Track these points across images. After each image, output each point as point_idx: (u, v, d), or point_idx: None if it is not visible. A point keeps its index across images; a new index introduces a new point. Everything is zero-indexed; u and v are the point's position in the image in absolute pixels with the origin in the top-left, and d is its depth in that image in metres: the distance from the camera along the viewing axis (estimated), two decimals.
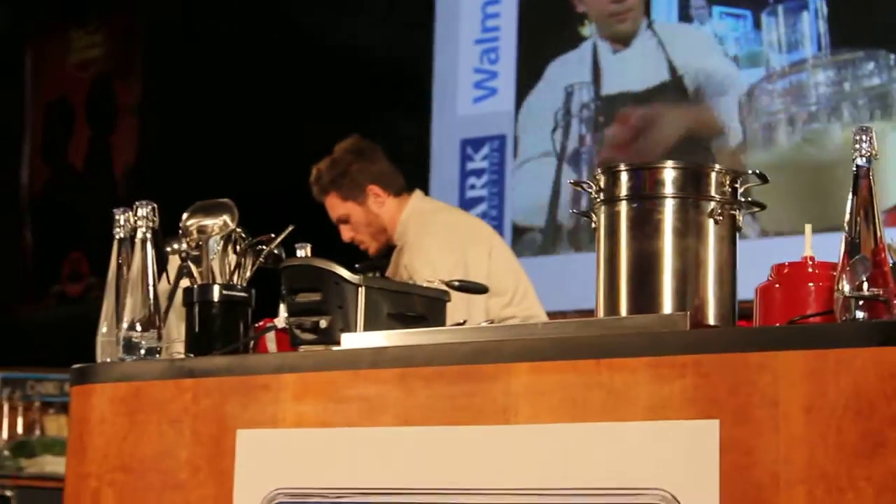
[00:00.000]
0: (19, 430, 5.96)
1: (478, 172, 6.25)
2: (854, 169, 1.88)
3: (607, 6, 6.03)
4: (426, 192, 6.36)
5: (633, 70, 5.94)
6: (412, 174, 6.44)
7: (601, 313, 2.16)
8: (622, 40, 5.97)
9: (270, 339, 2.64)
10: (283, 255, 2.66)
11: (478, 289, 2.82)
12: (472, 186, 6.27)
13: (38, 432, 5.91)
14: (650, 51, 5.88)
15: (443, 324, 2.57)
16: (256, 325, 2.66)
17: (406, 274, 3.88)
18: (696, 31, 5.82)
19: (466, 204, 6.24)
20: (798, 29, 5.54)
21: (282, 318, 2.61)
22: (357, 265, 2.58)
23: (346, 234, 4.11)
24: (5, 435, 5.91)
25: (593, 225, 2.22)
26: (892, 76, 5.30)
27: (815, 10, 5.50)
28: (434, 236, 4.02)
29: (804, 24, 5.52)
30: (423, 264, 3.86)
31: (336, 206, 4.08)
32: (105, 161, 7.90)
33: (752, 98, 5.63)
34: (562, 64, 6.12)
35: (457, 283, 2.71)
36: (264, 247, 2.64)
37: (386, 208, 4.09)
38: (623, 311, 2.12)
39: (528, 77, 6.19)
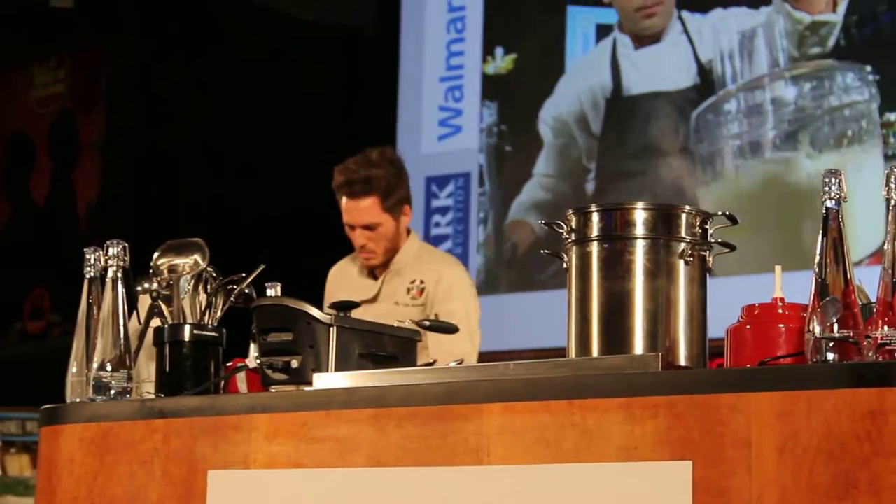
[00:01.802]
0: None
1: (442, 210, 6.26)
2: (823, 211, 1.90)
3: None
4: None
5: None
6: None
7: (573, 353, 2.17)
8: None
9: (241, 380, 2.63)
10: (254, 295, 2.65)
11: (448, 328, 2.83)
12: (437, 224, 6.28)
13: None
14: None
15: (414, 364, 2.57)
16: (227, 364, 2.65)
17: (441, 298, 3.85)
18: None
19: (431, 241, 6.25)
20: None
21: (253, 358, 2.61)
22: (327, 305, 2.59)
23: (360, 240, 3.96)
24: None
25: (564, 265, 2.23)
26: None
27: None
28: (462, 269, 4.11)
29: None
30: (466, 295, 3.93)
31: (371, 212, 3.94)
32: (68, 197, 7.87)
33: None
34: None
35: (427, 324, 2.72)
36: (235, 286, 2.64)
37: (404, 229, 4.07)
38: (595, 351, 2.13)
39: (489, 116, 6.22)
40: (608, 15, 6.05)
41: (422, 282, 3.98)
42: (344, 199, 3.99)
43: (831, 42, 5.46)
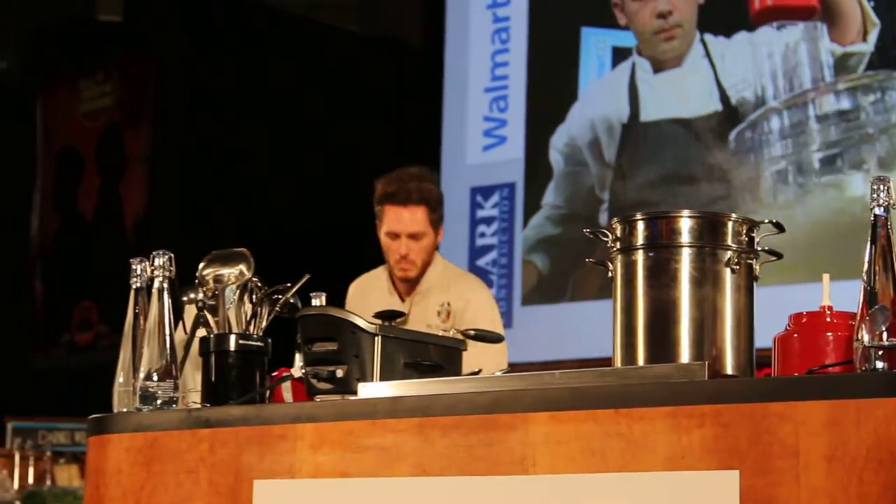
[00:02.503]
0: (30, 480, 5.94)
1: (487, 220, 6.26)
2: (872, 218, 1.88)
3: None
4: None
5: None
6: None
7: (619, 362, 2.16)
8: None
9: (286, 389, 2.63)
10: (299, 304, 2.66)
11: (494, 338, 2.83)
12: (482, 234, 6.28)
13: (48, 482, 5.89)
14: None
15: (458, 372, 2.57)
16: (272, 374, 2.66)
17: (468, 321, 3.88)
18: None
19: (476, 252, 6.25)
20: None
21: (298, 368, 2.61)
22: (373, 314, 2.59)
23: (403, 249, 3.99)
24: (16, 485, 5.88)
25: (610, 274, 2.22)
26: None
27: None
28: (487, 291, 4.16)
29: None
30: (494, 318, 4.01)
31: (421, 221, 3.99)
32: (115, 210, 7.92)
33: None
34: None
35: (472, 333, 2.72)
36: (280, 296, 2.65)
37: (435, 248, 4.12)
38: (641, 360, 2.13)
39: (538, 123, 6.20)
40: (625, 38, 6.01)
41: (449, 304, 4.03)
42: (390, 208, 4.01)
43: (861, 69, 5.40)
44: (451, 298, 4.02)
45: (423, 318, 4.02)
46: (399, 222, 4.00)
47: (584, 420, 1.97)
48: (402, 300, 4.08)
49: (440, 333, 3.79)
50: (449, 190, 6.39)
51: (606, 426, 1.95)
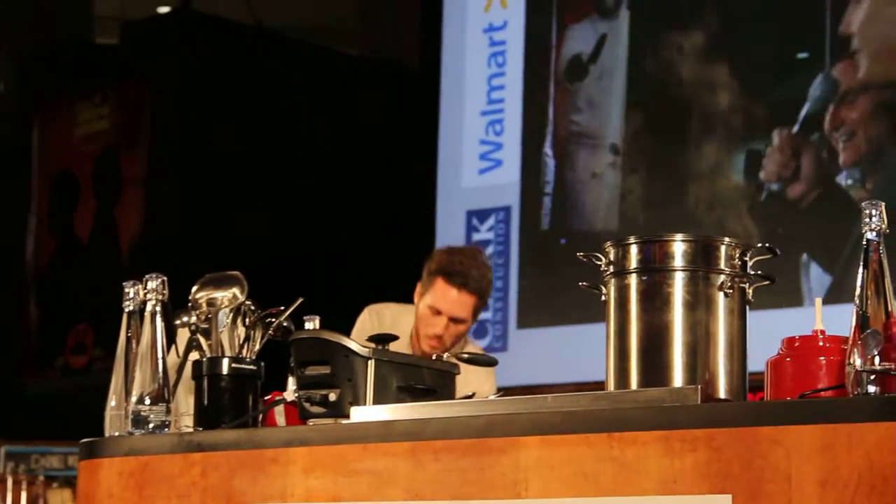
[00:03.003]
0: None
1: (483, 243, 6.26)
2: (864, 242, 1.89)
3: None
4: None
5: None
6: (417, 245, 6.48)
7: (612, 386, 2.16)
8: None
9: (279, 413, 2.63)
10: (293, 328, 2.66)
11: (486, 361, 2.83)
12: None
13: None
14: None
15: (452, 396, 2.57)
16: (265, 398, 2.65)
17: None
18: None
19: None
20: None
21: (291, 392, 2.60)
22: (367, 338, 2.59)
23: (440, 328, 3.93)
24: None
25: (603, 298, 2.22)
26: None
27: None
28: (494, 383, 4.09)
29: None
30: None
31: (468, 308, 3.94)
32: (111, 233, 7.93)
33: None
34: None
35: (465, 356, 2.72)
36: (273, 319, 2.65)
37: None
38: (634, 384, 2.13)
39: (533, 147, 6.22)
40: None
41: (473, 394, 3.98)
42: (443, 284, 3.94)
43: None
44: (461, 385, 3.98)
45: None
46: (447, 301, 3.93)
47: (576, 444, 1.97)
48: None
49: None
50: (444, 213, 6.42)
51: (599, 450, 1.95)
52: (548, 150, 6.16)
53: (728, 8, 5.78)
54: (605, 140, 5.99)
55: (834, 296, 5.05)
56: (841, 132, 5.39)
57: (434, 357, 2.59)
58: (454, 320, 3.93)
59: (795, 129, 5.49)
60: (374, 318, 4.13)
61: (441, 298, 3.92)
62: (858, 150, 5.36)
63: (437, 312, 3.92)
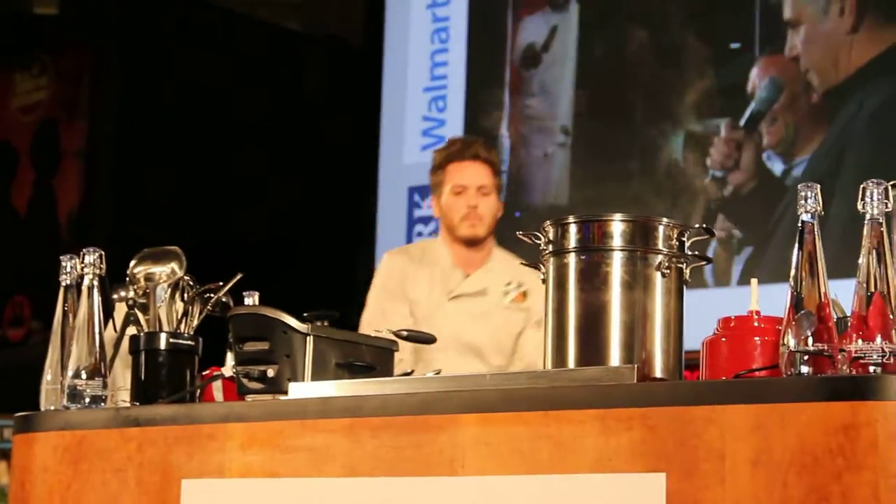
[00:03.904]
0: None
1: (425, 220, 6.27)
2: (799, 224, 1.91)
3: None
4: (373, 238, 6.40)
5: None
6: (359, 221, 6.48)
7: (549, 365, 2.17)
8: None
9: (217, 389, 2.63)
10: (231, 304, 2.65)
11: (426, 339, 2.83)
12: (420, 234, 6.29)
13: None
14: None
15: (391, 374, 2.57)
16: (203, 373, 2.65)
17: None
18: None
19: None
20: None
21: (229, 367, 2.60)
22: (305, 314, 2.58)
23: (472, 198, 3.87)
24: None
25: (542, 277, 2.23)
26: None
27: None
28: None
29: None
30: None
31: (487, 176, 3.90)
32: (49, 205, 7.86)
33: None
34: None
35: (405, 333, 2.72)
36: (212, 295, 2.64)
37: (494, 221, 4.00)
38: (571, 363, 2.14)
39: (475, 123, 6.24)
40: None
41: (522, 284, 3.91)
42: (455, 165, 3.92)
43: None
44: (524, 279, 3.88)
45: (485, 298, 3.91)
46: (465, 175, 3.90)
47: (513, 422, 1.98)
48: (466, 275, 3.93)
49: (511, 312, 3.77)
50: (387, 190, 6.42)
51: (535, 428, 1.96)
52: (504, 130, 6.21)
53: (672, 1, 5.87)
54: (555, 122, 6.06)
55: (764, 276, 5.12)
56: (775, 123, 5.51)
57: (377, 334, 2.59)
58: (481, 191, 3.90)
59: (741, 122, 5.58)
60: (400, 258, 4.02)
61: (459, 176, 3.91)
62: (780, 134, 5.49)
63: (461, 190, 3.90)
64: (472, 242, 3.93)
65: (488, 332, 3.87)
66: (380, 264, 4.10)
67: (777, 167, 5.48)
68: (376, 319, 3.80)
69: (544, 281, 2.23)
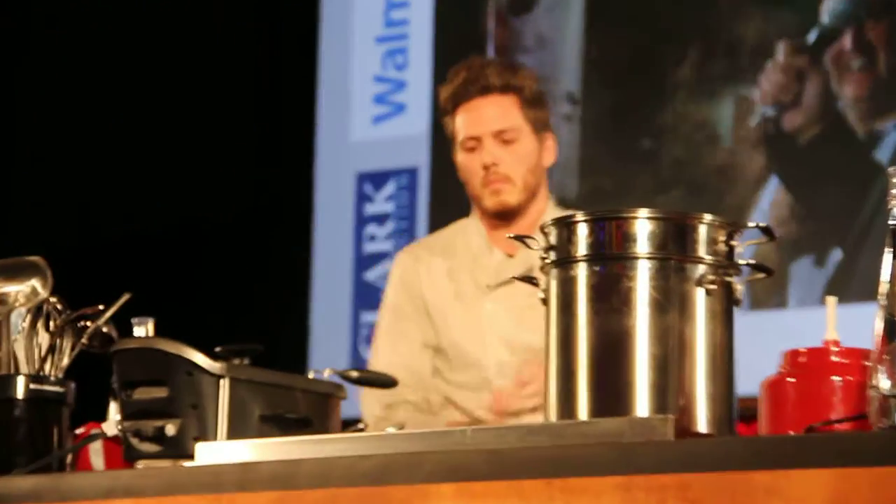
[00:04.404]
0: None
1: (379, 218, 6.28)
2: (892, 222, 1.91)
3: None
4: (308, 244, 6.40)
5: None
6: (291, 220, 6.47)
7: (553, 416, 2.18)
8: None
9: (96, 452, 2.63)
10: (115, 335, 2.65)
11: (383, 381, 2.84)
12: (373, 238, 6.29)
13: None
14: None
15: (334, 429, 2.58)
16: (77, 432, 2.65)
17: None
18: None
19: (364, 262, 6.25)
20: None
21: (112, 423, 2.60)
22: (218, 348, 2.58)
23: (487, 155, 3.71)
24: None
25: (541, 294, 2.24)
26: None
27: None
28: None
29: None
30: None
31: (508, 114, 3.73)
32: None
33: None
34: None
35: (355, 375, 2.73)
36: (88, 322, 2.63)
37: (545, 168, 3.82)
38: (582, 412, 2.14)
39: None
40: None
41: None
42: (463, 107, 3.78)
43: None
44: None
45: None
46: (473, 120, 3.75)
47: (505, 494, 1.99)
48: (508, 256, 3.79)
49: None
50: (326, 177, 6.42)
51: (536, 502, 1.96)
52: None
53: None
54: (558, 87, 6.03)
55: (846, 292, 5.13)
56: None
57: (317, 376, 2.59)
58: (498, 138, 3.74)
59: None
60: (408, 257, 3.94)
61: (467, 124, 3.77)
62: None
63: (474, 143, 3.75)
64: (503, 214, 3.79)
65: None
66: (396, 262, 3.99)
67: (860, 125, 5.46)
68: (385, 353, 3.79)
69: (544, 301, 2.24)
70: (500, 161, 3.71)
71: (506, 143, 3.73)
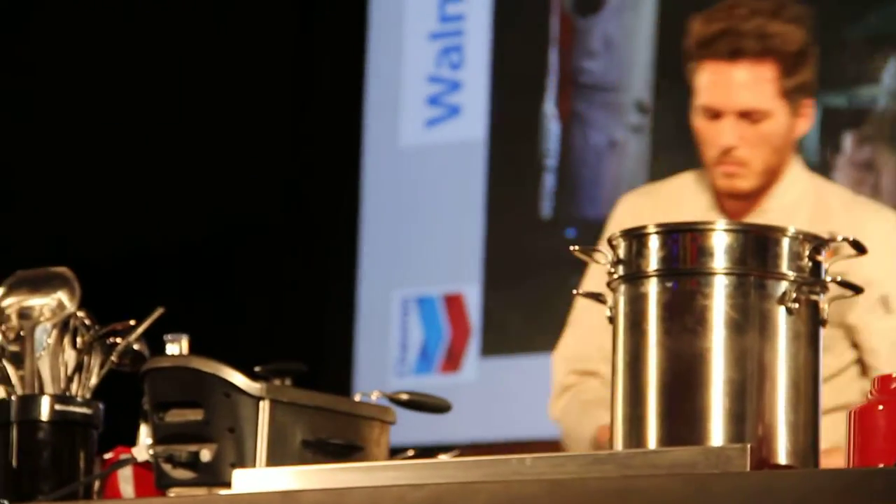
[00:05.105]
0: None
1: None
2: None
3: None
4: (353, 256, 6.40)
5: None
6: (335, 231, 6.47)
7: (620, 444, 2.18)
8: None
9: (126, 479, 2.63)
10: (147, 353, 2.65)
11: (435, 405, 2.84)
12: None
13: None
14: None
15: (383, 456, 2.58)
16: (106, 456, 2.65)
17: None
18: None
19: None
20: None
21: (143, 448, 2.60)
22: (258, 368, 2.58)
23: (728, 136, 3.52)
24: None
25: (609, 313, 2.23)
26: None
27: None
28: None
29: None
30: None
31: (759, 90, 3.54)
32: None
33: None
34: None
35: (405, 398, 2.73)
36: (118, 339, 2.64)
37: (795, 139, 3.65)
38: (652, 441, 2.15)
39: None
40: None
41: (831, 234, 3.49)
42: (709, 65, 3.59)
43: None
44: (848, 222, 3.50)
45: None
46: (717, 90, 3.57)
47: None
48: None
49: None
50: (374, 186, 6.42)
51: None
52: (549, 107, 6.17)
53: None
54: (626, 94, 6.03)
55: None
56: None
57: (363, 398, 2.59)
58: (744, 116, 3.56)
59: None
60: (642, 200, 3.82)
61: (710, 90, 3.59)
62: None
63: (715, 115, 3.58)
64: (734, 196, 3.65)
65: None
66: (617, 207, 3.80)
67: None
68: (583, 320, 3.61)
69: (611, 319, 2.24)
70: (742, 144, 3.57)
71: (752, 123, 3.57)
